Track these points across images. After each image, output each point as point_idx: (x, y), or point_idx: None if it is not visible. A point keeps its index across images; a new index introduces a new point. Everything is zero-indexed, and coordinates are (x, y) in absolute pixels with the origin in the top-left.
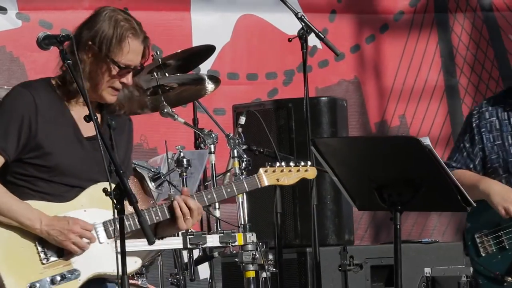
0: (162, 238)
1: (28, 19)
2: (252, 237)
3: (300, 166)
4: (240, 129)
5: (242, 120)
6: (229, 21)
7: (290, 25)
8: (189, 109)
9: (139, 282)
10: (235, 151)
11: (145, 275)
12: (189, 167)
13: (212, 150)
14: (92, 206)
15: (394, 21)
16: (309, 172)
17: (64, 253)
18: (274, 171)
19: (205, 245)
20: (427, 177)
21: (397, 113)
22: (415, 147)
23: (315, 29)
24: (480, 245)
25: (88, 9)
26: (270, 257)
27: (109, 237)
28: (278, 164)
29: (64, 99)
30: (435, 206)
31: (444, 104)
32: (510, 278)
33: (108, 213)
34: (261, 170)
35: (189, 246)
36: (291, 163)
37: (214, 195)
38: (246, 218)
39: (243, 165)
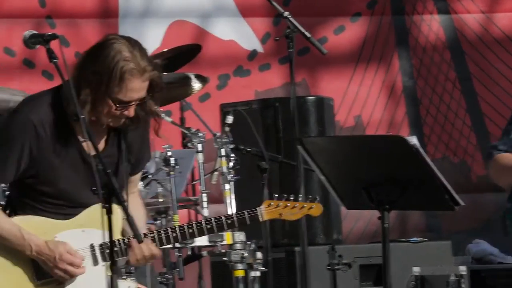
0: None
1: None
2: (240, 236)
3: (306, 203)
4: (227, 128)
5: (229, 119)
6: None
7: (223, 30)
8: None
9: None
10: (223, 150)
11: (133, 274)
12: (177, 166)
13: (200, 149)
14: (91, 226)
15: (350, 23)
16: (314, 209)
17: None
18: (277, 205)
19: (193, 244)
20: (414, 176)
21: (352, 114)
22: (402, 146)
23: (301, 29)
24: None
25: (11, 17)
26: (259, 256)
27: (104, 260)
28: (284, 197)
29: (69, 114)
30: (423, 205)
31: (402, 106)
32: None
33: (107, 234)
34: (265, 203)
35: (177, 245)
36: (299, 197)
37: (214, 225)
38: None
39: (231, 164)
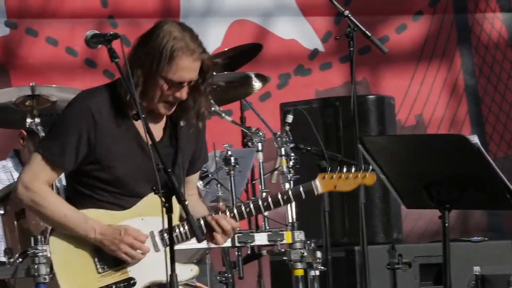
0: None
1: (15, 26)
2: (300, 235)
3: (359, 172)
4: (287, 128)
5: (290, 118)
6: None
7: (284, 29)
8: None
9: None
10: (283, 149)
11: None
12: (237, 166)
13: (260, 148)
14: (150, 214)
15: (412, 22)
16: (368, 178)
17: (120, 261)
18: (332, 177)
19: (253, 244)
20: (475, 175)
21: (413, 113)
22: (463, 145)
23: (361, 28)
24: None
25: (73, 17)
26: (319, 255)
27: (165, 245)
28: (337, 170)
29: (126, 106)
30: (484, 205)
31: (464, 104)
32: None
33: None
34: (319, 176)
35: (237, 244)
36: (352, 169)
37: (270, 202)
38: (294, 217)
39: (291, 163)
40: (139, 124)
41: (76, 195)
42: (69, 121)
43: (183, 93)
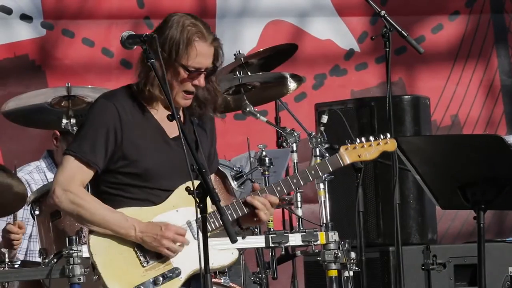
0: (248, 229)
1: (52, 27)
2: (334, 236)
3: (380, 139)
4: (322, 128)
5: (324, 119)
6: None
7: (320, 30)
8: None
9: (222, 281)
10: (317, 149)
11: (227, 274)
12: (271, 166)
13: (294, 149)
14: (184, 205)
15: (448, 22)
16: (389, 144)
17: (162, 254)
18: (354, 147)
19: (287, 244)
20: (511, 176)
21: (448, 113)
22: (499, 145)
23: (398, 28)
24: None
25: (109, 18)
26: (353, 256)
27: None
28: (358, 140)
29: (146, 103)
30: None
31: (500, 104)
32: None
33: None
34: (342, 148)
35: (271, 245)
36: (371, 138)
37: (299, 178)
38: (329, 217)
39: None
40: (161, 119)
41: (104, 197)
42: (95, 119)
43: (201, 80)
